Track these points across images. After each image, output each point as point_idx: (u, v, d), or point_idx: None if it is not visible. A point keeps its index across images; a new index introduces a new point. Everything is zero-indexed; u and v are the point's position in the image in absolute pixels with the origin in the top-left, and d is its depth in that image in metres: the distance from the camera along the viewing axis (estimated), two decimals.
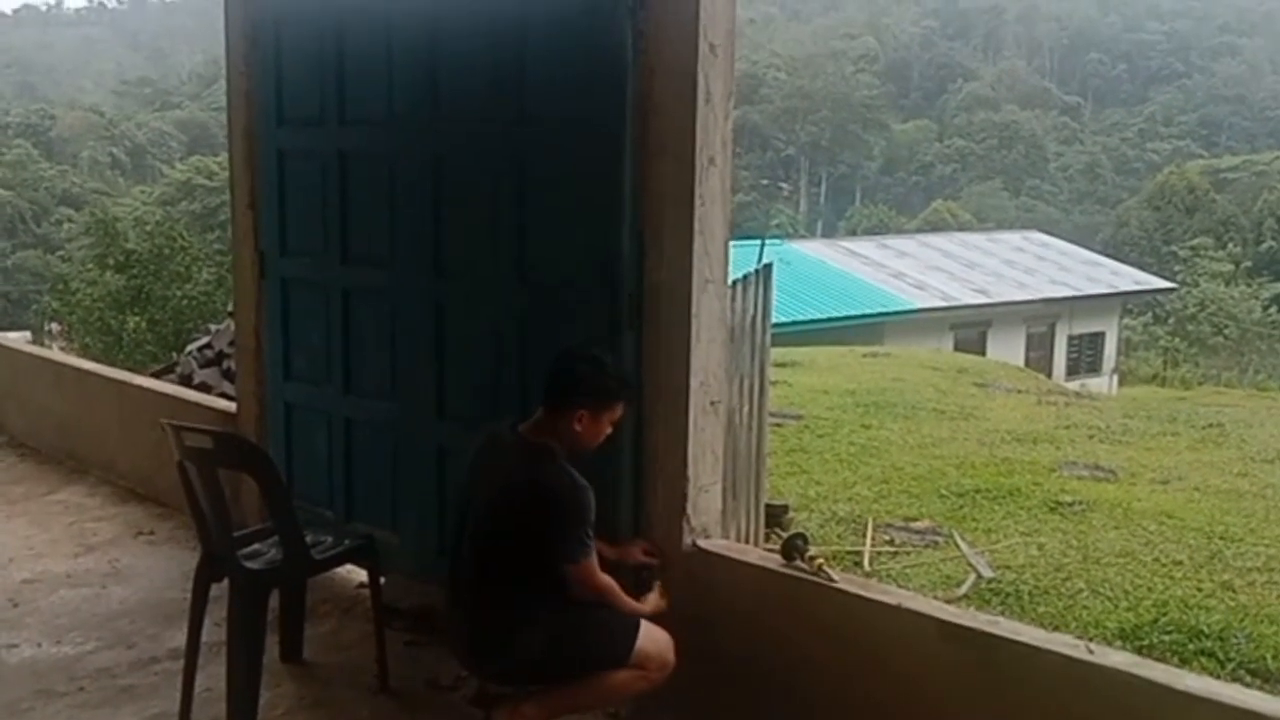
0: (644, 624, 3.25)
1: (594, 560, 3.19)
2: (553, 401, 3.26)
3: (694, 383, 3.56)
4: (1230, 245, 44.22)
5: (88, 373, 6.75)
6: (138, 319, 20.81)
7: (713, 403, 3.66)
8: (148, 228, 25.23)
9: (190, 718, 3.60)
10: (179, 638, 3.92)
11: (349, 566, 4.33)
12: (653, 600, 3.43)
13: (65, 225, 41.44)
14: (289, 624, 4.03)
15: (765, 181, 64.92)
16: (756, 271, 4.96)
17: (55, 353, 8.79)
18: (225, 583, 3.62)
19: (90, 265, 24.91)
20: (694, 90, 3.39)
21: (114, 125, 60.65)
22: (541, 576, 3.20)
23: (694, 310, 3.52)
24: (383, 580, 3.96)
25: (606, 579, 3.26)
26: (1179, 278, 38.72)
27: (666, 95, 3.48)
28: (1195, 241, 44.42)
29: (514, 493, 3.19)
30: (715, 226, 3.55)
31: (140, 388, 6.32)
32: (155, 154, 58.82)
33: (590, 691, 3.26)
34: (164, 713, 3.66)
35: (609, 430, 3.32)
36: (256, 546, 3.73)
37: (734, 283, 4.42)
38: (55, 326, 24.87)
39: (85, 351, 18.36)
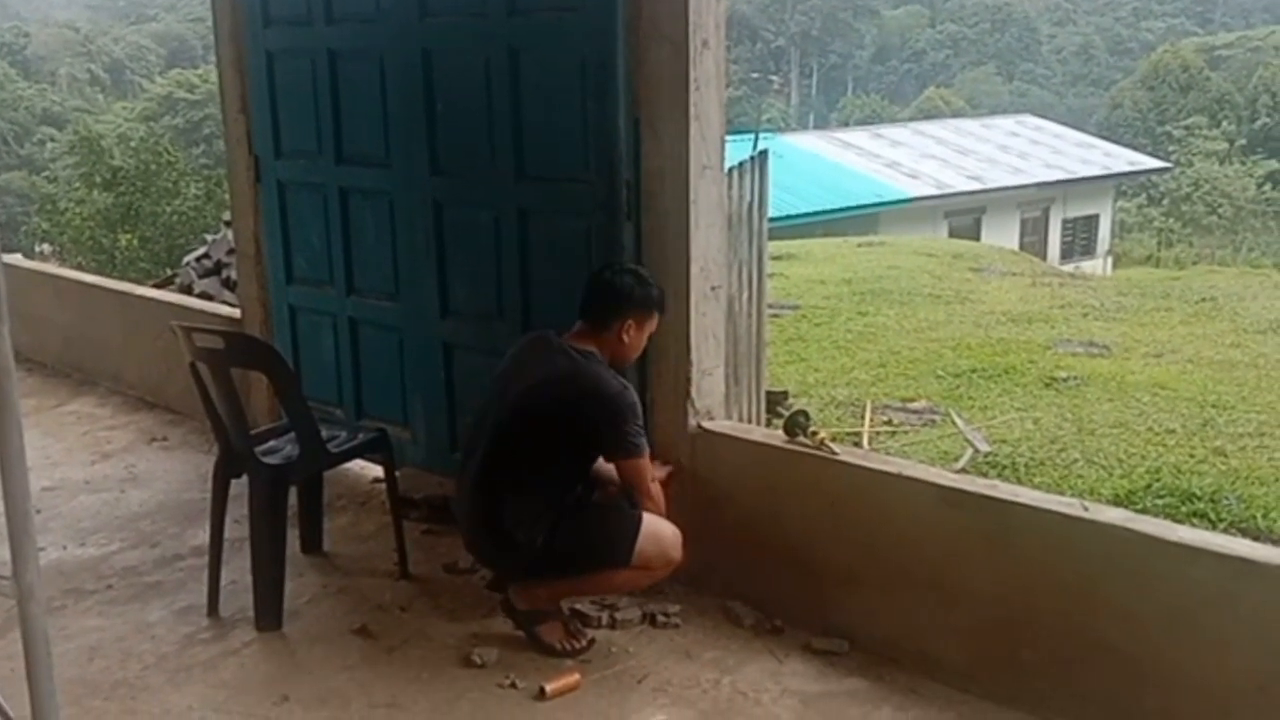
0: (645, 525, 3.26)
1: (647, 460, 3.30)
2: (597, 315, 3.33)
3: (694, 269, 3.60)
4: (1224, 123, 43.63)
5: (90, 285, 6.76)
6: (129, 236, 20.71)
7: (713, 288, 3.71)
8: (132, 144, 24.98)
9: (218, 608, 3.72)
10: (200, 536, 4.04)
11: (362, 464, 4.43)
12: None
13: (48, 145, 40.79)
14: (308, 518, 4.13)
15: (755, 75, 63.76)
16: (752, 158, 4.97)
17: (55, 267, 8.78)
18: (243, 480, 3.68)
19: (77, 185, 24.67)
20: None
21: (90, 41, 59.28)
22: (552, 472, 3.28)
23: (692, 197, 3.55)
24: (397, 473, 4.05)
25: (656, 488, 3.36)
26: (1173, 158, 38.32)
27: None
28: (1189, 121, 43.85)
29: (559, 384, 3.26)
30: (711, 111, 3.56)
31: (144, 298, 6.34)
32: (134, 69, 57.60)
33: (594, 585, 3.41)
34: (192, 605, 3.78)
35: (645, 343, 3.43)
36: (272, 443, 3.80)
37: (730, 170, 4.44)
38: (46, 248, 24.70)
39: (79, 270, 18.32)
